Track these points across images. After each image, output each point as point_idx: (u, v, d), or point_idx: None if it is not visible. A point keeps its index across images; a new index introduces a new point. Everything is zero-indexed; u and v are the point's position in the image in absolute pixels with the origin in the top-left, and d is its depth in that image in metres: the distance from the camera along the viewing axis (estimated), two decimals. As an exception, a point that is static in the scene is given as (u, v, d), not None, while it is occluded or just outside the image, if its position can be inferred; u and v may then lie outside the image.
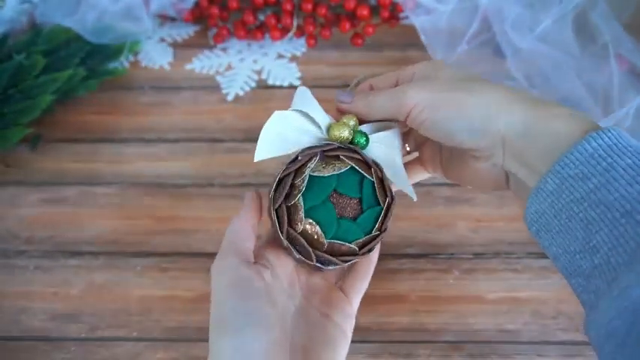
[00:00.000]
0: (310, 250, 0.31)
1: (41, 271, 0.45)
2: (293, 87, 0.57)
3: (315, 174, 0.31)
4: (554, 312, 0.42)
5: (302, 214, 0.31)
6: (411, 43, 0.58)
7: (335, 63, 0.59)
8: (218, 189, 0.50)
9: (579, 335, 0.41)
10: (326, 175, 0.31)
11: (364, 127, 0.34)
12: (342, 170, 0.31)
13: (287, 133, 0.32)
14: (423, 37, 0.55)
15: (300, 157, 0.32)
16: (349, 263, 0.33)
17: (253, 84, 0.58)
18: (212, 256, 0.45)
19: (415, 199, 0.33)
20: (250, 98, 0.57)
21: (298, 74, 0.58)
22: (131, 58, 0.61)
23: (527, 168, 0.29)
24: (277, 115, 0.32)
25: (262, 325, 0.29)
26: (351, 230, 0.32)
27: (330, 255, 0.32)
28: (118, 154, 0.53)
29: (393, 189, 0.34)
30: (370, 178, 0.32)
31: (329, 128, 0.33)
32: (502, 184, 0.32)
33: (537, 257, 0.45)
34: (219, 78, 0.59)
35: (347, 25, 0.58)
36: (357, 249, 0.32)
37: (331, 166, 0.32)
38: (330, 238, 0.31)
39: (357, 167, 0.31)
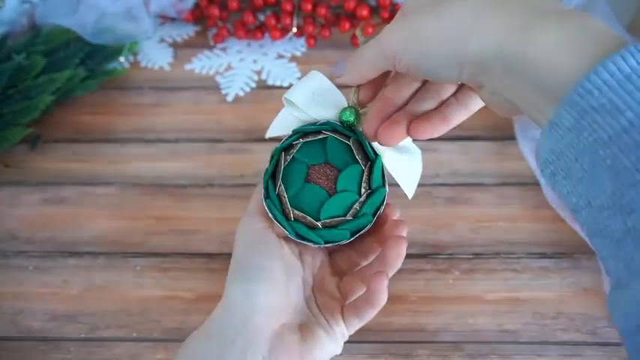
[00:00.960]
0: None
1: (40, 272, 0.45)
2: (293, 87, 0.57)
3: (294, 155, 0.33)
4: (554, 312, 0.42)
5: (288, 203, 0.32)
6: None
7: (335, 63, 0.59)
8: (218, 189, 0.50)
9: (579, 335, 0.41)
10: (297, 152, 0.32)
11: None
12: (313, 139, 0.32)
13: (319, 96, 0.33)
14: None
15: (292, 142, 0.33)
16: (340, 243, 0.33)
17: (253, 84, 0.58)
18: (212, 256, 0.45)
19: (410, 197, 0.34)
20: (250, 98, 0.57)
21: (298, 74, 0.58)
22: (131, 58, 0.61)
23: (523, 101, 0.23)
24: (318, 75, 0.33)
25: (272, 283, 0.32)
26: (333, 205, 0.32)
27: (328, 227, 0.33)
28: (118, 154, 0.52)
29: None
30: (346, 141, 0.32)
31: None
32: (516, 110, 0.26)
33: (537, 257, 0.45)
34: (218, 78, 0.59)
35: (347, 26, 0.58)
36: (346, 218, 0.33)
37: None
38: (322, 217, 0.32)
39: (334, 135, 0.32)
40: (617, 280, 0.21)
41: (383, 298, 0.33)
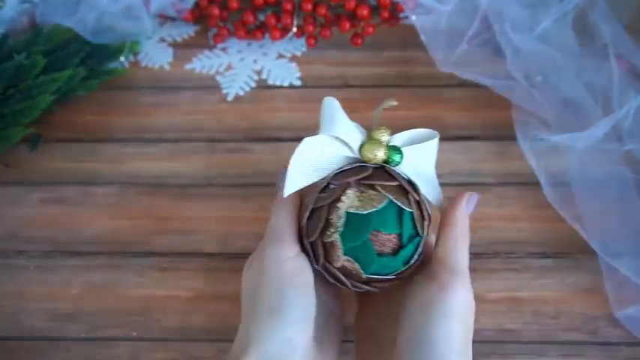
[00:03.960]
0: (347, 281, 0.31)
1: (41, 271, 0.45)
2: (293, 87, 0.57)
3: (352, 210, 0.30)
4: (554, 312, 0.42)
5: (340, 253, 0.30)
6: (411, 43, 0.58)
7: (335, 63, 0.59)
8: (218, 189, 0.50)
9: (579, 335, 0.41)
10: (364, 213, 0.29)
11: (397, 138, 0.33)
12: (381, 206, 0.30)
13: (318, 160, 0.31)
14: (423, 37, 0.55)
15: (332, 186, 0.31)
16: (383, 288, 0.32)
17: (253, 84, 0.58)
18: (212, 256, 0.45)
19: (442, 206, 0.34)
20: (250, 98, 0.57)
21: (298, 74, 0.58)
22: (131, 58, 0.61)
23: None
24: (307, 142, 0.31)
25: (310, 321, 0.29)
26: (391, 265, 0.31)
27: (366, 284, 0.31)
28: (118, 154, 0.52)
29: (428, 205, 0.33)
30: (409, 209, 0.31)
31: (361, 148, 0.31)
32: None
33: (537, 257, 0.45)
34: (219, 78, 0.59)
35: (347, 25, 0.58)
36: (395, 277, 0.32)
37: (367, 198, 0.30)
38: (369, 274, 0.31)
39: (395, 200, 0.30)
40: None
41: None
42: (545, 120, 0.49)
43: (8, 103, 0.52)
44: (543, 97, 0.50)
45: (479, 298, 0.43)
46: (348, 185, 0.30)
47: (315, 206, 0.31)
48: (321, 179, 0.31)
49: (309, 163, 0.31)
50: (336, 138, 0.31)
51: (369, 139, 0.32)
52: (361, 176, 0.30)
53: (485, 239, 0.46)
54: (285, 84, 0.58)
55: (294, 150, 0.31)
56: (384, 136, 0.32)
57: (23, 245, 0.47)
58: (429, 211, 0.32)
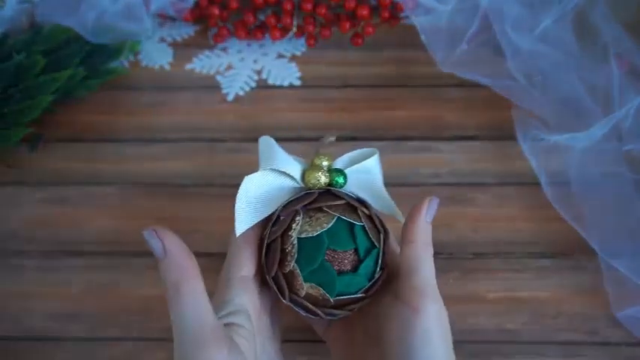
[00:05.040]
0: (318, 310, 0.31)
1: (41, 271, 0.45)
2: (293, 87, 0.57)
3: (303, 235, 0.31)
4: (554, 312, 0.42)
5: (301, 280, 0.31)
6: (411, 43, 0.58)
7: (335, 63, 0.59)
8: (218, 189, 0.50)
9: (579, 335, 0.41)
10: (315, 234, 0.30)
11: (339, 162, 0.34)
12: (330, 225, 0.31)
13: (263, 195, 0.32)
14: (423, 37, 0.55)
15: (282, 217, 0.31)
16: (357, 309, 0.33)
17: (253, 84, 0.58)
18: (212, 256, 0.45)
19: (402, 219, 0.33)
20: (250, 98, 0.57)
21: (298, 74, 0.58)
22: (131, 58, 0.61)
23: None
24: (248, 180, 0.32)
25: None
26: (354, 282, 0.31)
27: (337, 308, 0.32)
28: (118, 154, 0.53)
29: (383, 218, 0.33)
30: (359, 223, 0.31)
31: (304, 176, 0.32)
32: None
33: (537, 257, 0.45)
34: (219, 78, 0.59)
35: (347, 25, 0.58)
36: (364, 295, 0.32)
37: (316, 220, 0.31)
38: (336, 296, 0.31)
39: (343, 217, 0.31)
40: None
41: None
42: (545, 120, 0.50)
43: (8, 103, 0.52)
44: (543, 97, 0.50)
45: (479, 298, 0.43)
46: (296, 213, 0.31)
47: (269, 241, 0.31)
48: (272, 213, 0.32)
49: (255, 199, 0.32)
50: (276, 170, 0.32)
51: (310, 166, 0.33)
52: (307, 202, 0.31)
53: (485, 239, 0.46)
54: (285, 84, 0.58)
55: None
56: (325, 162, 0.33)
57: (23, 245, 0.47)
58: (383, 225, 0.33)
